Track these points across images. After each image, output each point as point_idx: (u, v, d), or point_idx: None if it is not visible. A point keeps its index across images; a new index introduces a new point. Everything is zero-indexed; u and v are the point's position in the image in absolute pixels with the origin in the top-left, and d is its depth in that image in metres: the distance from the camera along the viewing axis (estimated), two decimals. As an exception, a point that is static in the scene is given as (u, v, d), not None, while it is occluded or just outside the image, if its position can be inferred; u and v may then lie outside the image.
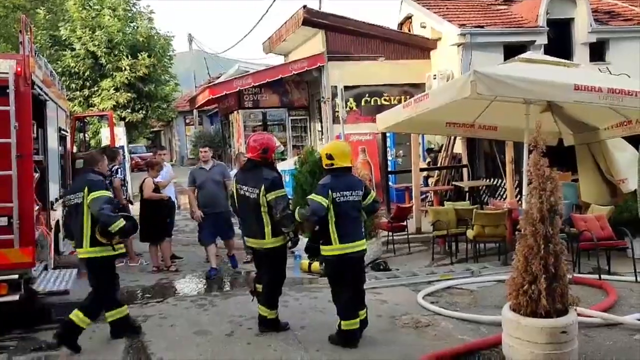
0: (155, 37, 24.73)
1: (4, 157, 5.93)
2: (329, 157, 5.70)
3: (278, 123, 18.38)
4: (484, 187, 13.45)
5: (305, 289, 7.81)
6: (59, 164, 8.92)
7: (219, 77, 25.28)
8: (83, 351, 5.69)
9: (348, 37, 15.97)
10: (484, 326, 5.97)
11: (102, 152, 6.82)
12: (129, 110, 23.53)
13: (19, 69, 6.08)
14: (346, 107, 14.75)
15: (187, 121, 36.95)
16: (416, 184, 11.78)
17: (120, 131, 17.56)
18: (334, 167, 5.67)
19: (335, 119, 14.80)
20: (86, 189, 5.69)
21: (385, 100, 15.97)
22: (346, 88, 13.88)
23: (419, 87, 15.63)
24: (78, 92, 22.95)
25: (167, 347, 5.72)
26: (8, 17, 22.31)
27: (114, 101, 22.69)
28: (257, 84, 16.60)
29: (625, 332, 5.65)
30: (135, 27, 24.79)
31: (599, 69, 14.23)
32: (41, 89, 7.01)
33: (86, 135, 18.11)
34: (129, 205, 10.19)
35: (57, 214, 8.46)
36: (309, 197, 5.68)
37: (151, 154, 15.62)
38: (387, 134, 13.54)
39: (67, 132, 10.10)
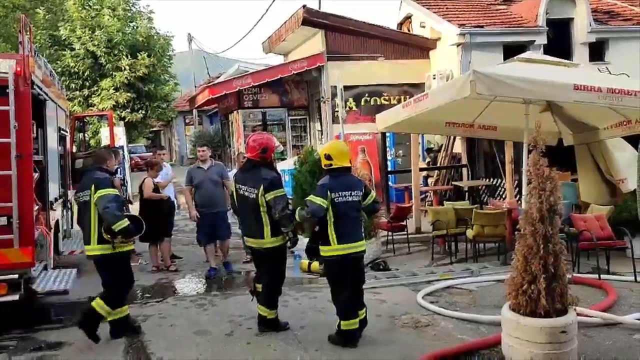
0: (155, 36, 24.75)
1: (3, 157, 5.93)
2: (328, 157, 5.70)
3: (278, 123, 18.38)
4: (484, 187, 13.46)
5: (304, 288, 7.81)
6: (59, 163, 8.91)
7: (218, 77, 25.28)
8: (83, 351, 5.70)
9: (348, 37, 15.98)
10: (483, 326, 5.97)
11: (110, 150, 6.85)
12: (129, 110, 23.55)
13: (18, 69, 6.07)
14: (346, 107, 14.75)
15: (187, 121, 36.95)
16: (416, 183, 11.78)
17: (120, 131, 17.56)
18: (332, 167, 5.67)
19: (335, 119, 14.81)
20: (93, 186, 5.74)
21: (384, 100, 15.98)
22: (346, 88, 13.87)
23: (418, 87, 15.64)
24: (78, 92, 22.97)
25: (167, 346, 5.73)
26: (8, 16, 22.35)
27: (114, 101, 22.71)
28: (256, 83, 16.61)
29: (625, 332, 5.65)
30: (135, 27, 24.81)
31: (599, 69, 14.24)
32: (41, 89, 7.01)
33: (86, 135, 18.12)
34: (129, 205, 10.19)
35: (57, 213, 8.47)
36: (307, 198, 5.68)
37: (151, 153, 15.61)
38: (387, 134, 13.54)
39: (66, 131, 10.09)
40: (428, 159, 15.08)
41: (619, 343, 5.40)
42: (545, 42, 15.09)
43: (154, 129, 40.99)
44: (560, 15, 15.69)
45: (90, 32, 22.50)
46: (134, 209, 9.60)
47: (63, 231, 9.38)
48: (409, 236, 10.44)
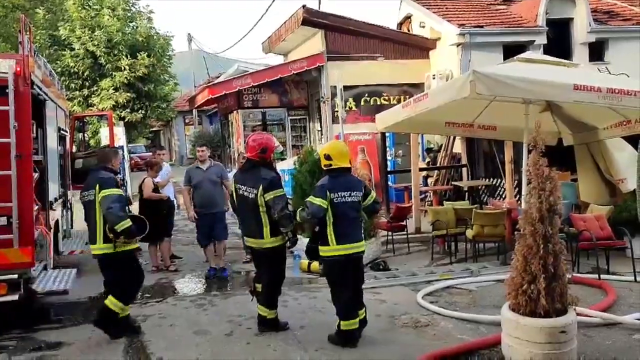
0: (155, 36, 24.74)
1: (3, 157, 5.93)
2: (327, 157, 5.70)
3: (277, 123, 18.37)
4: (483, 187, 13.46)
5: (304, 288, 7.81)
6: (59, 163, 8.91)
7: (218, 77, 25.28)
8: (83, 351, 5.70)
9: (347, 37, 15.97)
10: (483, 326, 5.97)
11: (115, 150, 6.88)
12: (129, 110, 23.53)
13: (18, 69, 6.07)
14: (345, 107, 14.75)
15: (187, 121, 36.95)
16: (415, 183, 11.78)
17: (120, 131, 17.55)
18: (332, 167, 5.67)
19: (335, 119, 14.80)
20: (97, 186, 5.79)
21: (384, 100, 15.98)
22: (345, 88, 13.87)
23: (418, 87, 15.63)
24: (77, 92, 22.96)
25: (167, 346, 5.73)
26: (7, 16, 22.33)
27: (114, 101, 22.70)
28: (256, 83, 16.60)
29: (625, 332, 5.66)
30: (135, 27, 24.80)
31: (598, 69, 14.24)
32: (40, 89, 7.00)
33: (85, 135, 18.10)
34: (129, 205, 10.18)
35: (57, 213, 8.47)
36: (307, 199, 5.68)
37: (150, 153, 15.62)
38: (387, 134, 13.54)
39: (66, 131, 10.08)
40: (428, 159, 15.08)
41: (618, 343, 5.40)
42: (545, 42, 15.09)
43: (154, 129, 40.99)
44: (560, 15, 15.69)
45: (90, 32, 22.49)
46: (134, 208, 9.61)
47: (63, 231, 9.38)
48: (409, 236, 10.44)
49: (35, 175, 6.70)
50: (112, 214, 5.68)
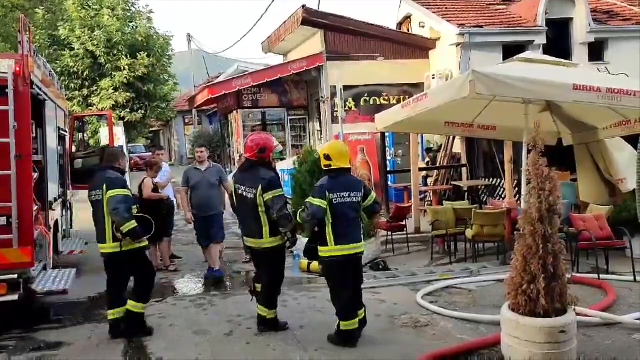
0: (155, 36, 24.77)
1: (3, 157, 5.93)
2: (327, 157, 5.70)
3: (277, 123, 18.36)
4: (483, 187, 13.46)
5: (304, 288, 7.82)
6: (58, 163, 8.91)
7: (218, 77, 25.28)
8: (82, 351, 5.70)
9: (347, 36, 15.96)
10: (483, 326, 5.97)
11: (122, 149, 6.89)
12: (128, 110, 23.56)
13: (18, 69, 6.07)
14: (345, 107, 14.74)
15: (186, 121, 36.95)
16: (415, 183, 11.78)
17: (119, 131, 17.55)
18: (332, 167, 5.67)
19: (334, 119, 14.79)
20: (105, 186, 5.83)
21: (384, 100, 15.97)
22: (345, 88, 13.87)
23: (418, 86, 15.62)
24: (77, 92, 22.98)
25: (167, 346, 5.73)
26: (7, 16, 22.31)
27: (113, 101, 22.72)
28: (256, 83, 16.59)
29: (624, 332, 5.66)
30: (135, 27, 24.83)
31: (598, 69, 14.24)
32: (40, 89, 7.00)
33: (85, 135, 18.09)
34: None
35: (56, 213, 8.46)
36: (307, 200, 5.68)
37: (150, 153, 15.61)
38: (386, 134, 13.54)
39: (66, 131, 10.08)
40: (427, 159, 15.08)
41: (618, 343, 5.40)
42: (545, 42, 15.09)
43: (154, 129, 41.00)
44: (559, 15, 15.69)
45: (89, 32, 22.51)
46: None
47: (62, 231, 9.37)
48: (409, 236, 10.45)
49: (35, 175, 6.70)
50: (117, 214, 5.73)
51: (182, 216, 9.04)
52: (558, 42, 15.49)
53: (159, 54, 24.19)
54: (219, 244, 8.76)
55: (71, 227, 10.55)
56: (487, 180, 13.44)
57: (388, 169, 13.85)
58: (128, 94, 23.04)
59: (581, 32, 15.58)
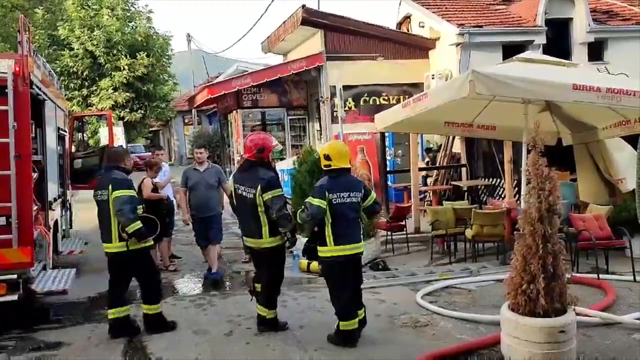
0: (154, 36, 24.79)
1: (2, 157, 5.93)
2: (327, 157, 5.70)
3: (277, 123, 18.35)
4: (483, 187, 13.47)
5: (303, 288, 7.82)
6: (58, 163, 8.90)
7: (217, 77, 25.28)
8: (82, 351, 5.70)
9: (347, 36, 15.96)
10: (482, 326, 5.97)
11: (126, 149, 6.92)
12: (128, 110, 23.58)
13: (17, 69, 6.07)
14: (345, 107, 14.73)
15: (186, 121, 36.94)
16: (415, 183, 11.78)
17: (119, 131, 17.60)
18: (331, 167, 5.67)
19: (334, 119, 14.79)
20: (110, 186, 5.86)
21: (384, 99, 15.96)
22: (345, 88, 13.86)
23: (417, 86, 15.62)
24: (77, 92, 22.99)
25: (166, 346, 5.72)
26: (6, 16, 22.29)
27: (113, 101, 22.73)
28: (255, 83, 16.58)
29: (624, 332, 5.66)
30: (134, 27, 24.84)
31: (598, 69, 14.24)
32: (40, 89, 7.00)
33: (85, 134, 18.10)
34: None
35: (56, 213, 8.46)
36: (306, 200, 5.68)
37: (149, 153, 15.61)
38: (386, 134, 13.54)
39: (65, 131, 10.08)
40: (427, 159, 15.08)
41: (617, 343, 5.41)
42: (544, 42, 15.09)
43: (153, 128, 41.00)
44: (559, 15, 15.69)
45: (89, 31, 22.52)
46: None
47: (62, 231, 9.36)
48: (408, 236, 10.44)
49: (35, 175, 6.69)
50: (122, 215, 5.77)
51: (182, 216, 9.02)
52: (558, 42, 15.49)
53: (158, 53, 24.20)
54: (217, 246, 8.73)
55: (71, 227, 10.55)
56: (486, 180, 13.44)
57: (388, 169, 13.84)
58: (127, 93, 23.06)
59: (581, 32, 15.58)
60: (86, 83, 23.06)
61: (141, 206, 6.13)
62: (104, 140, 17.90)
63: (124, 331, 6.02)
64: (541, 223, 4.57)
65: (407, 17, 17.77)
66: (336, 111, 13.98)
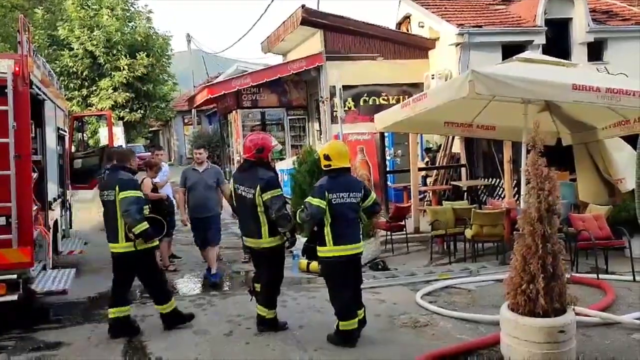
0: (154, 36, 24.77)
1: (2, 157, 5.93)
2: (327, 157, 5.70)
3: (276, 123, 18.34)
4: (482, 187, 13.47)
5: (303, 288, 7.82)
6: (58, 163, 8.90)
7: (217, 77, 25.26)
8: (82, 351, 5.70)
9: (346, 36, 15.95)
10: (482, 326, 5.98)
11: (131, 149, 6.96)
12: (128, 110, 23.56)
13: (17, 69, 6.07)
14: (344, 107, 14.73)
15: (186, 121, 36.94)
16: (414, 183, 11.79)
17: (119, 131, 17.58)
18: (331, 167, 5.68)
19: (334, 119, 14.78)
20: (117, 187, 5.89)
21: (383, 99, 15.96)
22: (345, 88, 13.86)
23: (417, 86, 15.62)
24: (76, 92, 22.97)
25: (166, 346, 5.73)
26: (6, 16, 22.30)
27: (113, 101, 22.71)
28: (255, 83, 16.57)
29: (623, 332, 5.66)
30: (134, 27, 24.82)
31: (597, 69, 14.24)
32: (39, 89, 7.00)
33: (85, 134, 18.11)
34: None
35: (56, 213, 8.46)
36: (306, 200, 5.68)
37: (149, 153, 15.60)
38: (386, 134, 13.54)
39: (65, 131, 10.08)
40: (427, 159, 15.08)
41: (617, 342, 5.41)
42: (544, 42, 15.08)
43: (153, 128, 40.98)
44: (558, 15, 15.69)
45: (88, 31, 22.50)
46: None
47: (62, 231, 9.36)
48: (408, 236, 10.45)
49: (34, 175, 6.70)
50: (129, 216, 5.80)
51: (180, 216, 9.01)
52: (557, 42, 15.49)
53: (158, 53, 24.18)
54: (215, 247, 8.64)
55: (70, 227, 10.55)
56: (486, 180, 13.44)
57: (387, 169, 13.85)
58: (127, 93, 23.04)
59: (580, 32, 15.59)
60: (86, 83, 23.04)
61: (147, 206, 6.15)
62: (103, 140, 17.88)
63: (124, 331, 6.02)
64: (541, 223, 4.57)
65: (407, 17, 17.77)
66: (336, 111, 13.98)
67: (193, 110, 28.89)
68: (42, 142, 7.68)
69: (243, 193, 5.89)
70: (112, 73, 22.73)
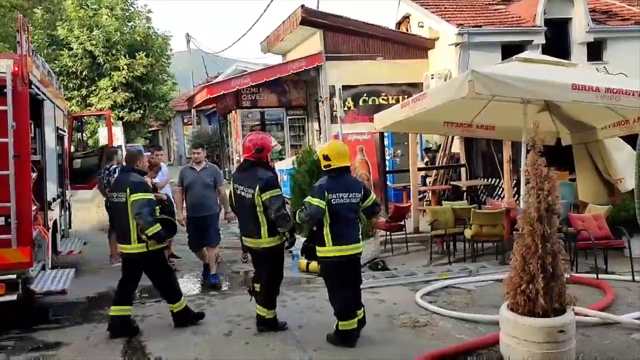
0: (153, 36, 24.71)
1: (1, 157, 5.92)
2: (326, 157, 5.69)
3: (276, 123, 18.37)
4: (482, 187, 13.47)
5: (303, 288, 7.82)
6: (57, 163, 8.89)
7: (216, 77, 25.26)
8: (81, 351, 5.70)
9: (346, 36, 15.96)
10: (481, 325, 5.97)
11: (140, 150, 7.00)
12: (127, 110, 23.51)
13: (16, 69, 6.06)
14: (344, 107, 14.74)
15: (185, 121, 36.90)
16: (414, 183, 11.79)
17: (118, 131, 17.54)
18: (331, 167, 5.67)
19: (333, 119, 14.80)
20: (128, 189, 5.92)
21: (383, 99, 15.97)
22: (344, 88, 13.87)
23: (416, 86, 15.64)
24: (76, 92, 22.92)
25: (166, 346, 5.72)
26: (5, 16, 22.25)
27: (112, 101, 22.67)
28: (255, 83, 16.59)
29: (623, 332, 5.66)
30: (133, 27, 24.75)
31: (597, 69, 14.25)
32: (39, 89, 7.00)
33: (84, 134, 18.09)
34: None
35: (55, 213, 8.45)
36: (305, 199, 5.68)
37: (149, 153, 15.59)
38: (385, 134, 13.54)
39: (64, 131, 10.07)
40: (426, 159, 15.09)
41: (616, 342, 5.41)
42: (544, 41, 15.10)
43: (152, 128, 40.92)
44: (558, 15, 15.71)
45: (88, 31, 22.45)
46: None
47: (61, 231, 9.36)
48: (407, 236, 10.45)
49: (34, 175, 6.69)
50: (141, 218, 5.83)
51: (178, 216, 8.96)
52: (557, 41, 15.50)
53: (157, 53, 24.13)
54: (214, 248, 8.50)
55: (70, 227, 10.54)
56: (486, 180, 13.45)
57: (387, 169, 13.85)
58: (127, 93, 23.00)
59: (580, 32, 15.60)
60: (85, 83, 23.00)
61: (158, 207, 6.15)
62: (103, 140, 17.85)
63: (123, 331, 6.02)
64: (540, 223, 4.57)
65: (407, 17, 17.78)
66: (335, 111, 13.99)
67: (192, 110, 28.87)
68: (42, 142, 7.67)
69: (242, 193, 5.89)
70: (112, 73, 22.69)
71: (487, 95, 8.08)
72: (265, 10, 23.94)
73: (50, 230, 7.77)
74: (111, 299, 6.33)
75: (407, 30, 17.59)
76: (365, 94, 15.98)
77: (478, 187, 13.46)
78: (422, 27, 16.53)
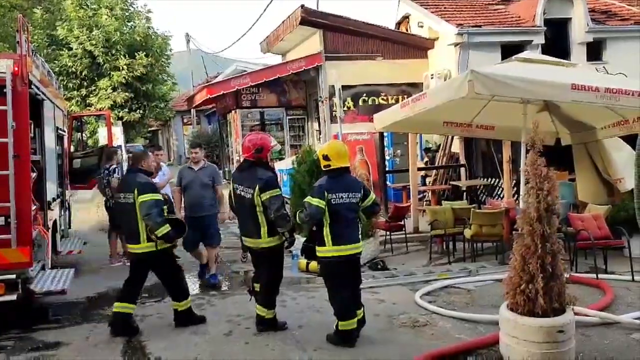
0: (153, 36, 24.70)
1: (1, 157, 5.92)
2: (326, 158, 5.70)
3: (276, 122, 18.36)
4: (482, 187, 13.47)
5: (302, 288, 7.82)
6: (57, 163, 8.89)
7: (216, 77, 25.25)
8: (81, 351, 5.70)
9: (346, 36, 15.96)
10: (481, 325, 5.98)
11: (145, 150, 7.03)
12: (127, 110, 23.50)
13: (16, 69, 6.06)
14: (344, 107, 14.73)
15: (185, 121, 36.90)
16: (414, 183, 11.79)
17: (118, 131, 17.53)
18: (331, 167, 5.68)
19: (333, 119, 14.80)
20: (136, 190, 5.94)
21: (382, 99, 15.97)
22: (344, 87, 13.87)
23: (416, 86, 15.63)
24: (75, 92, 22.91)
25: (165, 346, 5.72)
26: (5, 16, 22.22)
27: (112, 101, 22.66)
28: (254, 83, 16.59)
29: (622, 331, 5.67)
30: (133, 27, 24.74)
31: (596, 69, 14.26)
32: (38, 89, 7.00)
33: (84, 134, 18.08)
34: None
35: (55, 213, 8.45)
36: (305, 199, 5.68)
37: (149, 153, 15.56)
38: (385, 134, 13.54)
39: (64, 131, 10.07)
40: (426, 159, 15.09)
41: (616, 342, 5.41)
42: (543, 41, 15.09)
43: (152, 128, 40.89)
44: (557, 15, 15.70)
45: (87, 31, 22.45)
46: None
47: (61, 231, 9.36)
48: (407, 236, 10.45)
49: (33, 175, 6.69)
50: (150, 219, 5.87)
51: (181, 216, 8.96)
52: (556, 41, 15.50)
53: (157, 53, 24.12)
54: (214, 249, 8.47)
55: (69, 227, 10.54)
56: (485, 180, 13.45)
57: (387, 169, 13.85)
58: (126, 93, 22.99)
59: (579, 31, 15.60)
60: (85, 83, 22.99)
61: (166, 207, 6.17)
62: (102, 140, 17.84)
63: (124, 330, 6.02)
64: (540, 223, 4.58)
65: (406, 17, 17.77)
66: (335, 111, 13.99)
67: (192, 110, 28.86)
68: (41, 142, 7.67)
69: (242, 193, 5.90)
70: (111, 73, 22.68)
71: (487, 95, 8.08)
72: (265, 10, 23.95)
73: (50, 230, 7.77)
74: (111, 299, 6.34)
75: (407, 30, 17.59)
76: (365, 94, 15.98)
77: (478, 187, 13.46)
78: (421, 27, 16.53)
